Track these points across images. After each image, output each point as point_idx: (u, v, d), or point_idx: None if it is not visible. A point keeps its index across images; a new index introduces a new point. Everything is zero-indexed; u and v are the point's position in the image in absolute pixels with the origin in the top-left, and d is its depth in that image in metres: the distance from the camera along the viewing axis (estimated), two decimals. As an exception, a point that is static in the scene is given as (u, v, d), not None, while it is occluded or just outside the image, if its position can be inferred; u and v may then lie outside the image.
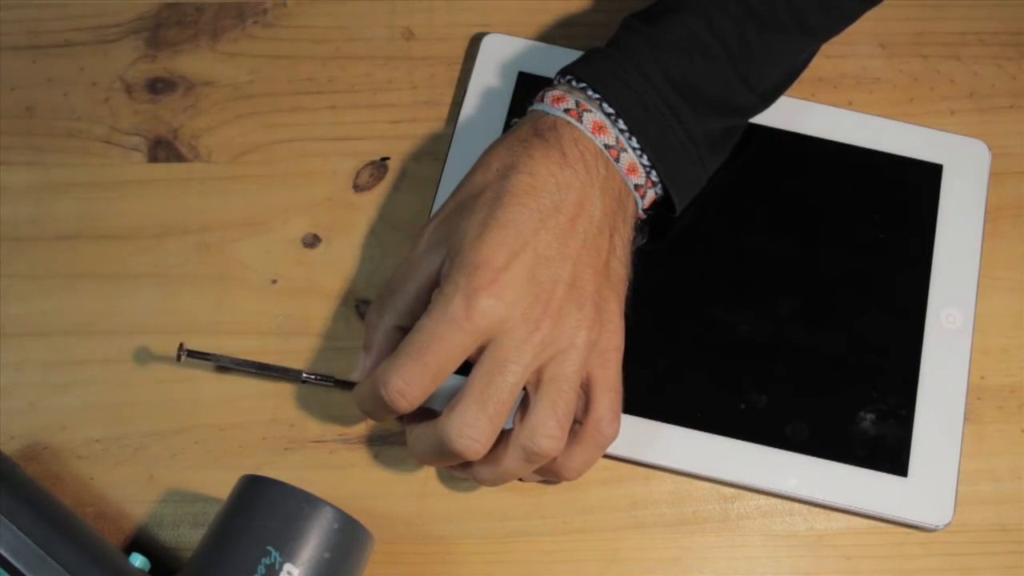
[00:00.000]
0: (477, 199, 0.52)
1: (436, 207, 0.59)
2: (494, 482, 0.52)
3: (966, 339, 0.58)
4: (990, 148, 0.61)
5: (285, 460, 0.58)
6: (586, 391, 0.51)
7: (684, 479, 0.57)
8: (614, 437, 0.52)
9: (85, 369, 0.59)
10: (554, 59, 0.62)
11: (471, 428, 0.49)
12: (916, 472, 0.56)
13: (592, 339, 0.50)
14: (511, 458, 0.51)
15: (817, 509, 0.57)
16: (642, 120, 0.53)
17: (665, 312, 0.59)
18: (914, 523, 0.56)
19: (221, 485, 0.53)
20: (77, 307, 0.60)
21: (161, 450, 0.58)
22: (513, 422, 0.51)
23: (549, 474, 0.53)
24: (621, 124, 0.53)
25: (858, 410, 0.57)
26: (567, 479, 0.53)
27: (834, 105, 0.62)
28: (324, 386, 0.58)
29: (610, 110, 0.53)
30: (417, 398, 0.49)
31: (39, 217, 0.62)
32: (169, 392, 0.59)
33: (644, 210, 0.56)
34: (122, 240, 0.61)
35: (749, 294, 0.59)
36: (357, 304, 0.60)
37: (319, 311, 0.60)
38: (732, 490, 0.57)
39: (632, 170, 0.54)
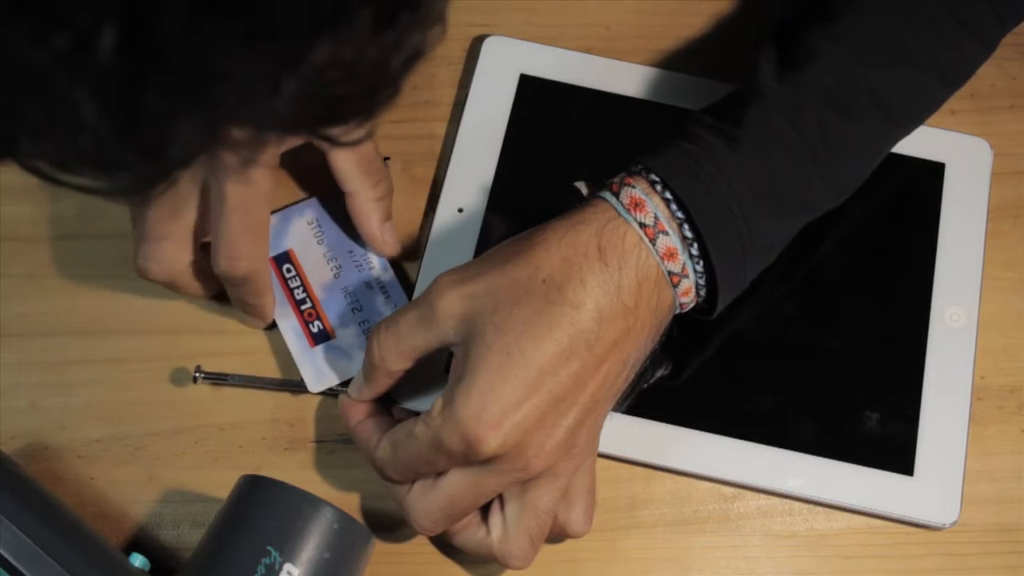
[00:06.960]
0: (513, 309, 0.48)
1: (436, 218, 0.59)
2: (455, 546, 0.54)
3: (970, 337, 0.58)
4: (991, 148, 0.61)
5: (285, 460, 0.57)
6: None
7: (684, 479, 0.57)
8: (583, 535, 0.53)
9: (85, 369, 0.59)
10: (555, 61, 0.62)
11: (432, 522, 0.51)
12: (922, 471, 0.56)
13: (575, 467, 0.51)
14: (480, 553, 0.52)
15: (817, 509, 0.57)
16: (719, 242, 0.49)
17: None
18: (921, 522, 0.56)
19: (221, 485, 0.53)
20: (77, 307, 0.60)
21: (161, 450, 0.58)
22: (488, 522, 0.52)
23: None
24: (694, 249, 0.49)
25: (863, 409, 0.57)
26: None
27: (834, 105, 0.62)
28: (338, 393, 0.57)
29: (689, 234, 0.49)
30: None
31: (39, 217, 0.61)
32: (169, 392, 0.58)
33: None
34: (123, 240, 0.60)
35: (752, 293, 0.58)
36: (357, 304, 0.60)
37: (319, 311, 0.60)
38: (732, 490, 0.57)
39: (686, 293, 0.51)
